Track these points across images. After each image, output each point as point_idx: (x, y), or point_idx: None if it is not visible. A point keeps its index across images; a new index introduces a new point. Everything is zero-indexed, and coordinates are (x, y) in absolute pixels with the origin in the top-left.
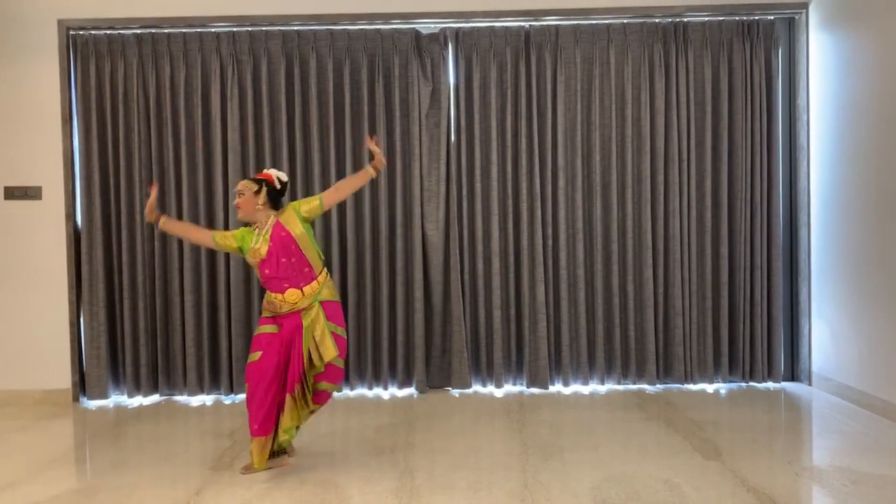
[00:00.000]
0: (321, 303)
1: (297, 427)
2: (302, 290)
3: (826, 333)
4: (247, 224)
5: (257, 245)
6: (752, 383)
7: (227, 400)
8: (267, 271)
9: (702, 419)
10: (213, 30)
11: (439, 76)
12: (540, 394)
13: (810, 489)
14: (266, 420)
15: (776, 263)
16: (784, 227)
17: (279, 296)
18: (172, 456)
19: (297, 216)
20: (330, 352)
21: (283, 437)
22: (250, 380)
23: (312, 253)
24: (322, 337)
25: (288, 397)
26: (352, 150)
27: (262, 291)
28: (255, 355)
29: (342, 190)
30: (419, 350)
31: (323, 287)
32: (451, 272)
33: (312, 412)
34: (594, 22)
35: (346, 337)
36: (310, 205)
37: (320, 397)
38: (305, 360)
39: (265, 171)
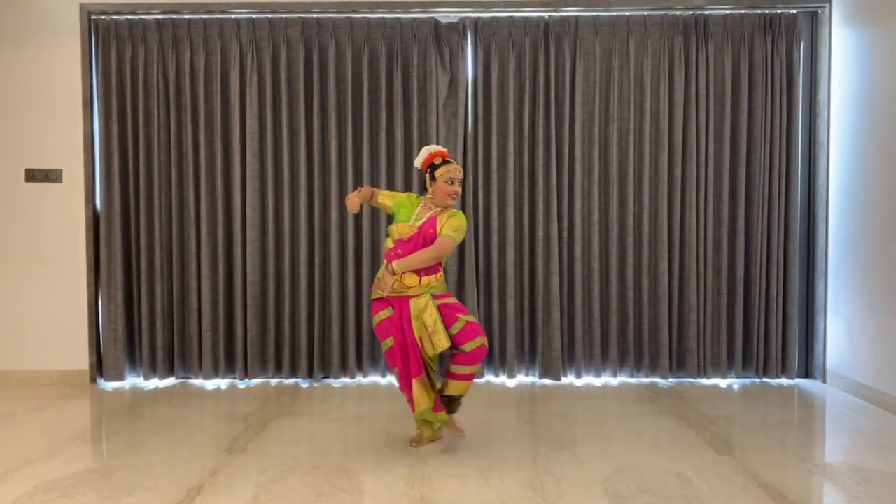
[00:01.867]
0: (432, 296)
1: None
2: (420, 279)
3: (842, 330)
4: (419, 194)
5: (410, 223)
6: (765, 379)
7: (242, 384)
8: (400, 251)
9: (714, 414)
10: (233, 16)
11: (458, 66)
12: (552, 385)
13: (822, 486)
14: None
15: (793, 259)
16: (801, 223)
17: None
18: (187, 438)
19: (450, 224)
20: (443, 343)
21: (426, 415)
22: (398, 363)
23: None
24: (435, 327)
25: (415, 381)
26: (369, 139)
27: (279, 281)
28: (389, 341)
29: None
30: None
31: (438, 282)
32: (465, 262)
33: (472, 374)
34: (614, 13)
35: (476, 321)
36: (458, 232)
37: (477, 355)
38: (420, 348)
39: (434, 148)
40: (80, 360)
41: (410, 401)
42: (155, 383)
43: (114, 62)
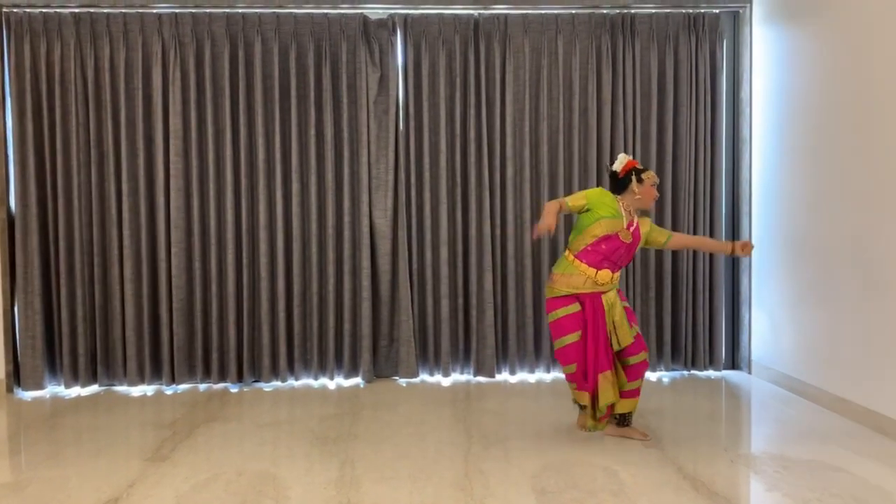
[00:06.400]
0: (617, 289)
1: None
2: (613, 275)
3: (765, 323)
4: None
5: (624, 224)
6: (693, 371)
7: (169, 390)
8: (604, 247)
9: (644, 407)
10: (154, 11)
11: (388, 62)
12: (486, 382)
13: (743, 475)
14: (593, 380)
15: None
16: (726, 218)
17: (591, 271)
18: (109, 447)
19: (648, 228)
20: (626, 338)
21: (601, 410)
22: (578, 359)
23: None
24: (621, 321)
25: (601, 377)
26: (298, 136)
27: (205, 283)
28: (576, 335)
29: (692, 243)
30: (366, 339)
31: (619, 276)
32: (399, 261)
33: (638, 389)
34: (543, 12)
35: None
36: (659, 234)
37: (640, 369)
38: (611, 340)
39: (628, 158)
40: None
41: (580, 388)
42: (77, 391)
43: (27, 58)
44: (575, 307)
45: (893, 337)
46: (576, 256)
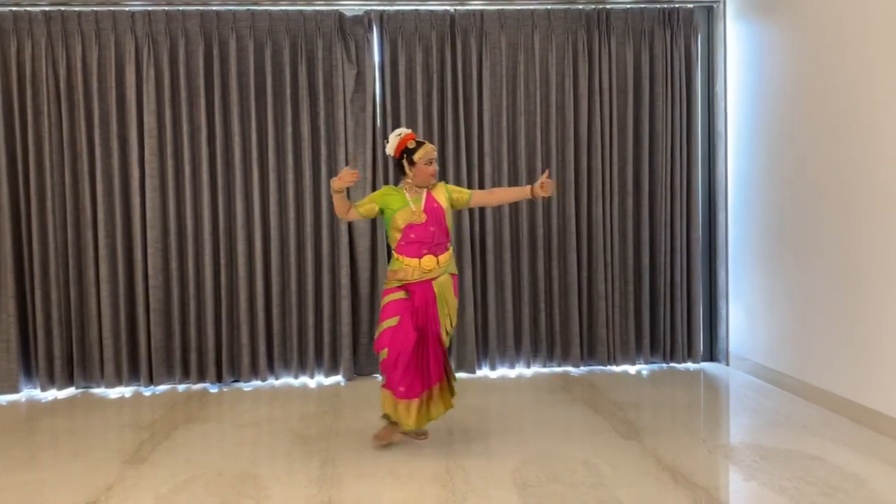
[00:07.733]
0: (450, 274)
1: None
2: (438, 259)
3: (742, 315)
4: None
5: (416, 208)
6: (672, 364)
7: (147, 391)
8: (413, 235)
9: (623, 400)
10: (126, 8)
11: (364, 59)
12: (467, 378)
13: (721, 466)
14: (413, 384)
15: (695, 247)
16: (703, 212)
17: (414, 261)
18: (86, 450)
19: (445, 193)
20: (453, 324)
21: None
22: (392, 344)
23: (450, 226)
24: (453, 310)
25: (436, 387)
26: (274, 134)
27: (183, 283)
28: (394, 320)
29: (495, 196)
30: (346, 338)
31: (451, 259)
32: (378, 258)
33: None
34: (519, 7)
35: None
36: (460, 194)
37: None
38: (442, 331)
39: (403, 132)
40: None
41: (389, 385)
42: (53, 394)
43: None
44: (400, 294)
45: (868, 327)
46: (397, 252)
